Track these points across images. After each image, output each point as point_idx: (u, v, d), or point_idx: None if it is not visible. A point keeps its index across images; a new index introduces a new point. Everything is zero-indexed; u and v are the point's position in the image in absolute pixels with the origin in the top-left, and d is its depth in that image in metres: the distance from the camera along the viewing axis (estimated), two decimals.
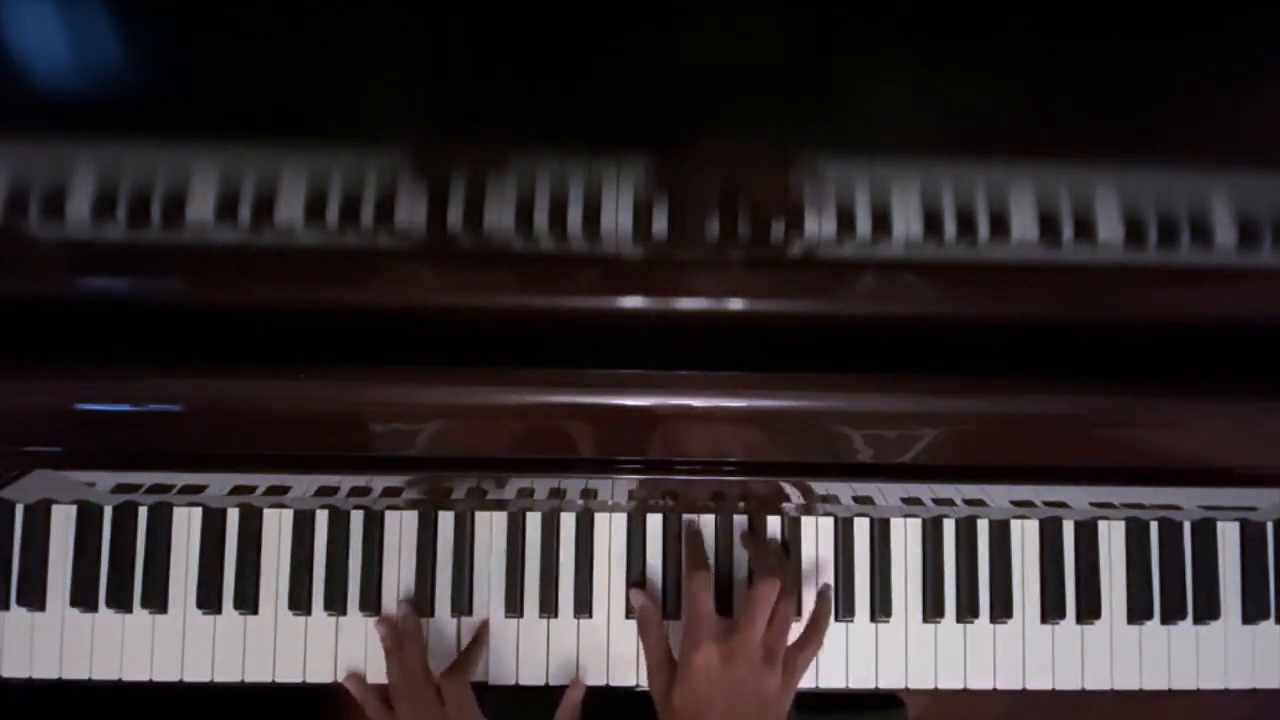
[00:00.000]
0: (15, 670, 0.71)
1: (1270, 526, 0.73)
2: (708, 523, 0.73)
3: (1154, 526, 0.73)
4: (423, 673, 0.66)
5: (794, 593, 0.65)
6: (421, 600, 0.72)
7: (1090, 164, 0.47)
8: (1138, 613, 0.72)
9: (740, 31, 0.41)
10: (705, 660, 0.59)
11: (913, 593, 0.73)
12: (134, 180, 0.48)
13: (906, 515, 0.73)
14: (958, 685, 0.72)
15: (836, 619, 0.72)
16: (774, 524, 0.73)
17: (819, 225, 0.51)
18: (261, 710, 0.98)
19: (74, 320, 0.56)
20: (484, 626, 0.72)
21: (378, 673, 0.71)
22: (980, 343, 0.57)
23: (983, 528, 0.73)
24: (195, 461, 0.59)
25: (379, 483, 0.64)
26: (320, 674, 0.72)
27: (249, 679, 0.72)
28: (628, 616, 0.72)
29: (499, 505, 0.72)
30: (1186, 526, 0.73)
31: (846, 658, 0.73)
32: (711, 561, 0.72)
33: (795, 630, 0.66)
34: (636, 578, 0.73)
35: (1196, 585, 0.73)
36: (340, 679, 0.71)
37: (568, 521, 0.73)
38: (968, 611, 0.72)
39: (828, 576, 0.73)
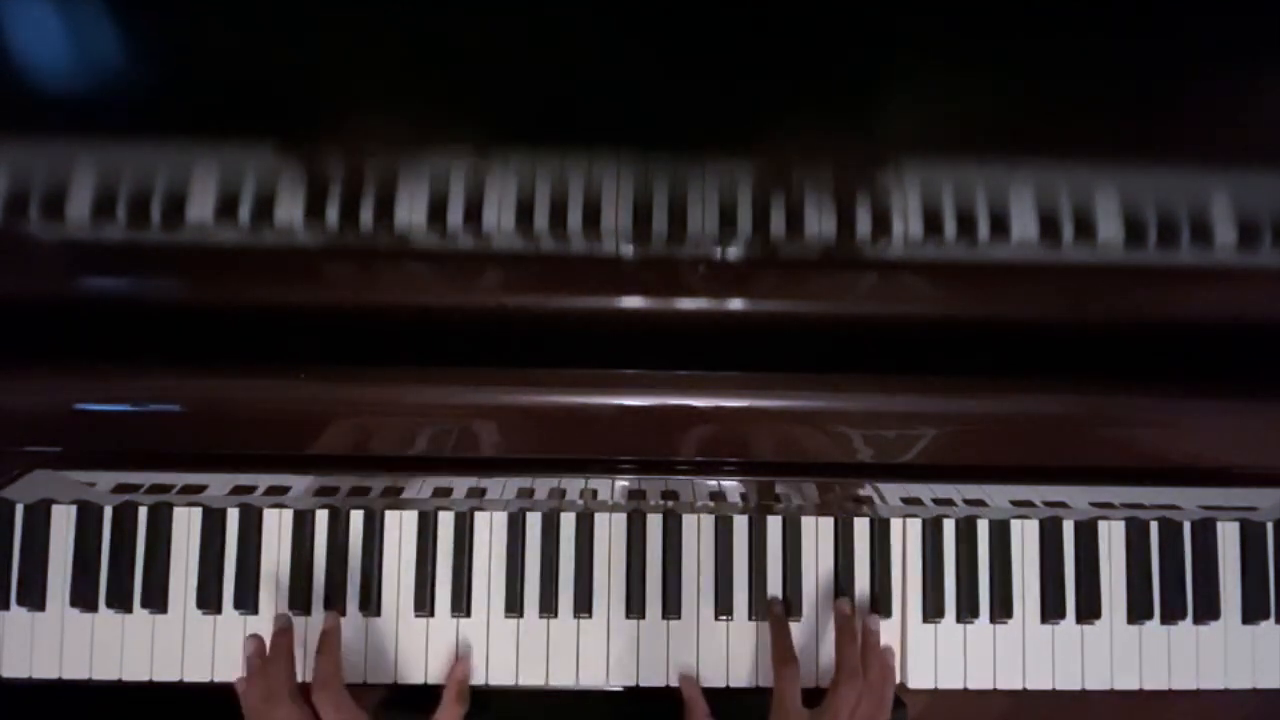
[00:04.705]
0: (15, 670, 0.71)
1: (1270, 526, 0.73)
2: (707, 523, 0.73)
3: (1154, 526, 0.73)
4: (288, 693, 0.64)
5: (878, 692, 0.65)
6: (421, 600, 0.72)
7: (1090, 164, 0.47)
8: (1138, 613, 0.72)
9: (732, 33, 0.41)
10: None
11: (913, 593, 0.73)
12: (134, 180, 0.48)
13: (906, 515, 0.73)
14: (958, 685, 0.72)
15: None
16: (774, 524, 0.73)
17: (818, 226, 0.51)
18: None
19: (74, 320, 0.56)
20: (329, 627, 0.68)
21: (375, 675, 0.71)
22: (980, 343, 0.57)
23: (983, 528, 0.73)
24: (195, 461, 0.59)
25: (379, 483, 0.64)
26: None
27: None
28: (628, 616, 0.72)
29: (498, 505, 0.72)
30: (1186, 526, 0.73)
31: None
32: (711, 566, 0.72)
33: None
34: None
35: (1196, 585, 0.73)
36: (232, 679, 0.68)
37: (568, 521, 0.73)
38: (968, 611, 0.72)
39: (828, 577, 0.73)
